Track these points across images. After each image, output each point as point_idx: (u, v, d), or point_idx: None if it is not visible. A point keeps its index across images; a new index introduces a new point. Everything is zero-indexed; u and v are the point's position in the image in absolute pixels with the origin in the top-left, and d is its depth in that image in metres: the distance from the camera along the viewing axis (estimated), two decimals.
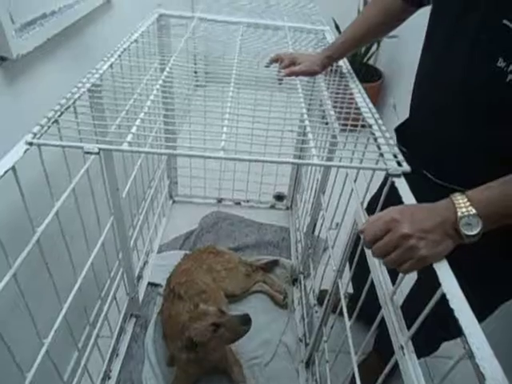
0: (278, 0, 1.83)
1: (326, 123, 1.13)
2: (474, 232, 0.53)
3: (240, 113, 0.88)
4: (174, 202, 2.02)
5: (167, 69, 1.01)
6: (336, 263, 1.00)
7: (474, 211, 0.53)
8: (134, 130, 0.71)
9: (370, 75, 2.55)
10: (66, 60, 1.07)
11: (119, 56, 1.05)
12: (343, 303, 0.94)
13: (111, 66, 0.99)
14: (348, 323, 0.89)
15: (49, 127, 0.70)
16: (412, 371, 0.56)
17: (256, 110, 0.97)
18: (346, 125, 0.97)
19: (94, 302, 1.18)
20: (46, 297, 0.84)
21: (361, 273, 0.85)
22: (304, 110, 0.91)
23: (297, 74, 1.05)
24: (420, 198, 0.67)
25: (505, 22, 0.60)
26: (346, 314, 0.92)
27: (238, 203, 2.05)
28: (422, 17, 0.89)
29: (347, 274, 0.96)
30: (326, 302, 1.06)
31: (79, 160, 0.86)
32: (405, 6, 0.89)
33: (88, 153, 0.65)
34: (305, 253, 1.51)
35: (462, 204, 0.54)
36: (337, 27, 2.43)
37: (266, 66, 1.13)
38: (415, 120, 0.91)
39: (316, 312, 1.25)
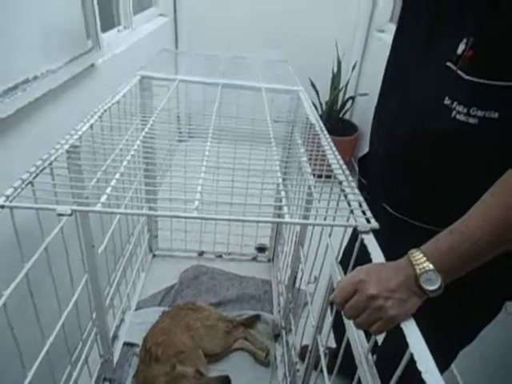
0: (253, 62, 1.95)
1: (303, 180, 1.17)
2: (436, 286, 0.54)
3: (220, 169, 0.90)
4: (154, 256, 1.99)
5: (146, 129, 1.05)
6: (315, 319, 0.99)
7: (431, 266, 0.55)
8: (108, 190, 0.73)
9: (346, 129, 2.67)
10: (48, 121, 1.10)
11: (100, 117, 1.08)
12: (323, 361, 0.92)
13: (91, 126, 1.02)
14: (328, 383, 0.86)
15: (22, 189, 0.71)
16: None
17: (236, 169, 1.00)
18: (320, 178, 1.01)
19: (63, 366, 1.12)
20: (11, 363, 0.80)
21: (342, 326, 0.84)
22: (279, 173, 0.94)
23: None
24: (380, 231, 0.69)
25: (448, 64, 0.66)
26: (325, 373, 0.89)
27: (220, 256, 2.03)
28: None
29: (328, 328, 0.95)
30: (306, 359, 1.03)
31: (55, 217, 0.85)
32: None
33: (61, 215, 0.65)
34: (286, 307, 1.49)
35: (420, 260, 0.55)
36: (313, 86, 2.58)
37: None
38: (372, 153, 0.95)
39: (298, 371, 1.21)
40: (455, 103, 0.64)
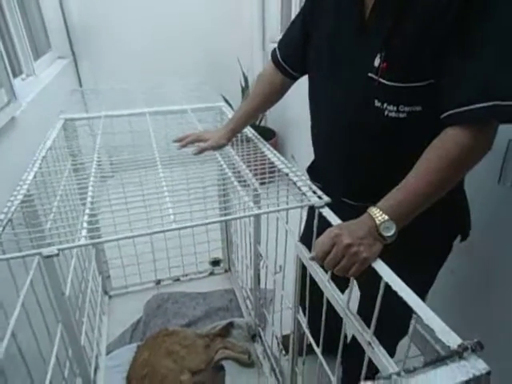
0: (170, 88, 2.03)
1: (245, 185, 1.26)
2: (392, 232, 0.70)
3: (159, 190, 0.95)
4: (110, 297, 1.94)
5: (93, 168, 1.07)
6: (290, 300, 1.09)
7: (386, 217, 0.70)
8: (85, 224, 0.76)
9: (265, 135, 2.85)
10: None
11: (40, 164, 1.08)
12: (308, 334, 1.02)
13: (35, 176, 1.02)
14: (318, 349, 0.96)
15: None
16: (384, 359, 0.67)
17: (175, 186, 1.06)
18: (264, 181, 1.12)
19: None
20: None
21: (310, 308, 0.97)
22: (224, 166, 1.03)
23: (207, 149, 1.17)
24: (344, 219, 0.82)
25: (370, 74, 0.79)
26: (313, 343, 0.99)
27: (177, 279, 2.04)
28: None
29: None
30: (291, 339, 1.13)
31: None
32: (286, 80, 1.10)
33: (48, 256, 0.67)
34: (257, 305, 1.57)
35: (378, 214, 0.71)
36: (226, 101, 2.73)
37: (181, 147, 1.24)
38: (319, 159, 1.07)
39: (284, 355, 1.30)
40: (385, 104, 0.79)
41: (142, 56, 2.80)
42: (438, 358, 0.46)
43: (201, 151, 1.16)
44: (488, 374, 0.45)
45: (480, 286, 1.23)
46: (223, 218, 1.18)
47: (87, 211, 0.82)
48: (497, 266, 1.17)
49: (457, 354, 0.47)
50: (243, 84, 2.83)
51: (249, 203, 0.86)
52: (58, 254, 0.69)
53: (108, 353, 1.61)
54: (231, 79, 2.87)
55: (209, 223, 0.84)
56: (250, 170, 1.19)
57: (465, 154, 0.69)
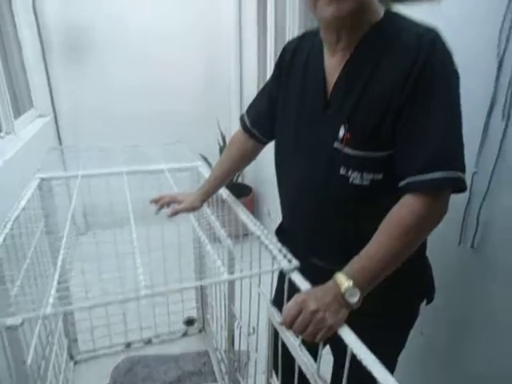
0: (148, 147, 2.08)
1: (220, 242, 1.28)
2: (356, 298, 0.72)
3: (132, 251, 0.96)
4: (75, 362, 1.83)
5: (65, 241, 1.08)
6: (263, 364, 1.07)
7: (351, 284, 0.72)
8: (53, 291, 0.75)
9: (242, 192, 2.92)
10: None
11: (11, 226, 1.08)
12: None
13: (5, 238, 1.02)
14: None
15: None
16: None
17: (150, 247, 1.07)
18: (239, 240, 1.15)
19: None
20: None
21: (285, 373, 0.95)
22: (198, 229, 1.06)
23: (181, 211, 1.20)
24: (313, 281, 0.83)
25: (335, 145, 0.84)
26: None
27: (149, 341, 1.96)
28: None
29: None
30: None
31: None
32: (256, 144, 1.16)
33: (10, 327, 0.66)
34: (231, 369, 1.52)
35: (343, 281, 0.73)
36: (205, 159, 2.81)
37: (158, 211, 1.26)
38: (286, 221, 1.09)
39: None
40: (350, 171, 0.83)
41: (123, 116, 2.88)
42: None
43: (175, 213, 1.18)
44: None
45: (448, 346, 1.25)
46: (196, 283, 1.19)
47: (56, 277, 0.81)
48: (462, 326, 1.19)
49: None
50: (221, 143, 2.94)
51: (220, 268, 0.87)
52: (22, 324, 0.67)
53: None
54: (210, 138, 2.99)
55: (182, 289, 0.85)
56: (225, 231, 1.22)
57: (419, 221, 0.74)
